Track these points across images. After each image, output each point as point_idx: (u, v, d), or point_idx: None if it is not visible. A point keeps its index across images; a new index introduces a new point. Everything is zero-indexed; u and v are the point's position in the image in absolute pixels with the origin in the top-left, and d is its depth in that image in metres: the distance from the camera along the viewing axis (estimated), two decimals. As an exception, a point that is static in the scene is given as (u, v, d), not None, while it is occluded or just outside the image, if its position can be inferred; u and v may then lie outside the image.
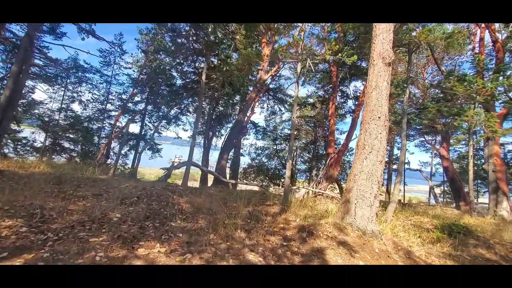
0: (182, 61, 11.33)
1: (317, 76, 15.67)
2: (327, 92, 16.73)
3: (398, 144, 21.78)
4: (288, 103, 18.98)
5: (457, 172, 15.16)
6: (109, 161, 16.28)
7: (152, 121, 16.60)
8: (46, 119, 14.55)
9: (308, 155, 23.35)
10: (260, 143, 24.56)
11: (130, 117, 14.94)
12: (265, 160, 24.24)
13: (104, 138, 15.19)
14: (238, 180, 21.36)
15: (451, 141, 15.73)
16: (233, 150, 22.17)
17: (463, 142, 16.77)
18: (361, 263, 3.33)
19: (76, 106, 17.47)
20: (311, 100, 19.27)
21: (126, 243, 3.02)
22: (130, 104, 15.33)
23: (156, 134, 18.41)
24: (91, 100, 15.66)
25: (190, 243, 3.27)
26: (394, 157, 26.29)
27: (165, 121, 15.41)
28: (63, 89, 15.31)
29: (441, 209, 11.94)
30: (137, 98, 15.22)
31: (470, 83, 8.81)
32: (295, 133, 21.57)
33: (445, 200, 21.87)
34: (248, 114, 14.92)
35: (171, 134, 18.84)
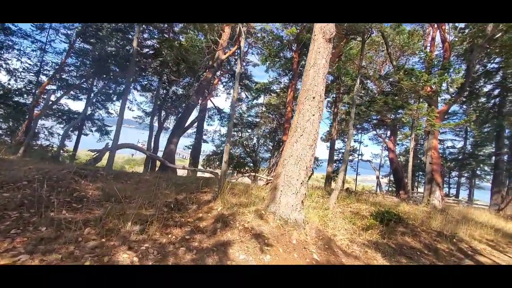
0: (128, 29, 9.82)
1: (281, 62, 15.07)
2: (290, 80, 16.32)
3: (355, 135, 22.58)
4: (253, 90, 18.24)
5: (401, 163, 16.13)
6: (46, 142, 14.05)
7: (98, 99, 14.54)
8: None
9: (271, 143, 23.15)
10: (224, 130, 23.65)
11: (63, 91, 12.80)
12: (230, 148, 23.53)
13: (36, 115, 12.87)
14: (200, 167, 20.44)
15: (399, 136, 16.64)
16: (195, 136, 21.03)
17: (410, 138, 18.04)
18: (267, 257, 2.84)
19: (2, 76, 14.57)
20: (275, 88, 18.74)
21: None
22: (67, 77, 13.12)
23: (105, 115, 16.40)
24: (20, 70, 13.08)
25: (46, 239, 2.44)
26: (351, 147, 27.52)
27: (112, 98, 13.55)
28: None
29: (382, 197, 12.54)
30: (78, 71, 13.03)
31: (417, 77, 8.95)
32: (259, 120, 21.13)
33: (390, 189, 23.56)
34: (206, 96, 13.85)
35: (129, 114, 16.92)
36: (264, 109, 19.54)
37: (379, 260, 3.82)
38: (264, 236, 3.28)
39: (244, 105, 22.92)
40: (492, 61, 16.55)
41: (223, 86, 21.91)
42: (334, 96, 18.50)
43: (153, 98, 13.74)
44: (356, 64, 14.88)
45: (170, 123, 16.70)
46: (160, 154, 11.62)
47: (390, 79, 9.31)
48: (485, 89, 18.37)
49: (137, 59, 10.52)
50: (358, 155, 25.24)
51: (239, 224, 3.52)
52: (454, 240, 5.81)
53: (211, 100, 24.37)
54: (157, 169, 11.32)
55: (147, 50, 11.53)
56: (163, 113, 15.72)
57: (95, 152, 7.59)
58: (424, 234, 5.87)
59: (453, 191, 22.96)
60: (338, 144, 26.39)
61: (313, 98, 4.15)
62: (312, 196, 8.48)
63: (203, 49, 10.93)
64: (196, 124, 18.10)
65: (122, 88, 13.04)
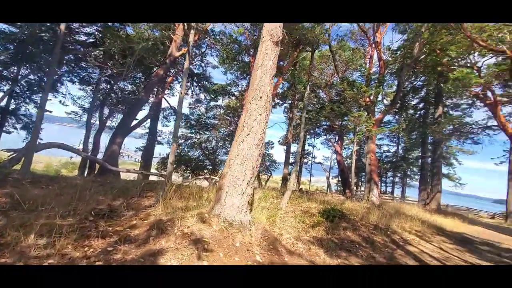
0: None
1: (238, 65, 15.08)
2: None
3: (309, 139, 23.90)
4: (211, 91, 17.79)
5: (348, 165, 17.65)
6: None
7: (23, 90, 12.12)
8: None
9: (229, 145, 22.86)
10: (182, 132, 22.42)
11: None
12: (187, 150, 22.33)
13: None
14: (153, 170, 18.86)
15: (346, 140, 18.20)
16: (147, 137, 19.38)
17: (353, 142, 20.02)
18: (204, 264, 2.60)
19: None
20: (234, 91, 18.63)
21: None
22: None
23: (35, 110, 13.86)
24: None
25: None
26: (305, 151, 29.05)
27: (40, 90, 11.42)
28: None
29: (331, 196, 13.47)
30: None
31: (357, 88, 9.87)
32: (217, 122, 20.68)
33: (339, 188, 25.63)
34: (158, 94, 12.89)
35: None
36: (222, 111, 19.22)
37: (321, 255, 3.92)
38: (204, 240, 3.03)
39: (203, 106, 22.23)
40: (418, 79, 19.55)
41: (181, 86, 20.91)
42: (290, 102, 19.35)
43: (93, 93, 12.12)
44: (313, 75, 15.91)
45: (116, 121, 14.99)
46: (101, 156, 10.23)
47: (337, 89, 10.09)
48: (413, 103, 21.59)
49: (72, 47, 9.14)
50: (312, 158, 26.78)
51: (178, 230, 3.20)
52: (388, 232, 6.44)
53: (166, 100, 22.95)
54: (96, 172, 9.93)
55: (85, 38, 10.14)
56: (106, 110, 14.02)
57: (12, 152, 6.16)
58: (363, 228, 6.36)
59: (389, 189, 26.20)
60: (294, 148, 27.71)
61: (260, 98, 4.11)
62: (267, 197, 8.50)
63: (155, 44, 10.17)
64: (148, 124, 16.70)
65: (54, 79, 11.14)
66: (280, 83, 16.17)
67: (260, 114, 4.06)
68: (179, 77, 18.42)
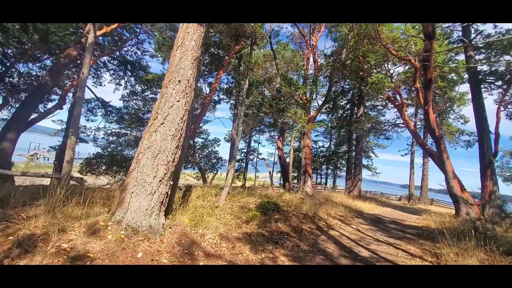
0: None
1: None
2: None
3: (254, 136, 24.14)
4: (145, 80, 15.85)
5: (288, 160, 18.54)
6: None
7: None
8: None
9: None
10: (114, 128, 19.38)
11: None
12: (120, 149, 19.43)
13: None
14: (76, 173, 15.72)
15: (288, 137, 19.01)
16: (64, 134, 16.00)
17: (296, 139, 21.19)
18: None
19: None
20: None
21: None
22: None
23: None
24: None
25: None
26: (251, 148, 29.37)
27: None
28: None
29: (272, 190, 13.83)
30: None
31: (294, 85, 10.22)
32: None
33: (281, 182, 26.94)
34: (73, 82, 10.61)
35: None
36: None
37: (245, 253, 3.66)
38: (89, 256, 2.33)
39: (139, 99, 19.74)
40: (346, 83, 22.04)
41: (111, 75, 17.99)
42: (235, 98, 19.02)
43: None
44: (252, 69, 15.89)
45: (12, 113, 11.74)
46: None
47: (276, 86, 10.25)
48: (342, 103, 24.28)
49: None
50: (257, 154, 27.26)
51: (52, 247, 2.39)
52: (315, 219, 6.78)
53: (91, 90, 19.55)
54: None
55: None
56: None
57: None
58: (294, 218, 6.52)
59: (324, 180, 29.03)
60: (242, 145, 27.63)
61: (179, 81, 3.55)
62: (206, 195, 8.00)
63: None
64: (66, 118, 13.73)
65: None
66: (224, 77, 15.64)
67: (178, 101, 3.50)
68: (110, 65, 15.87)
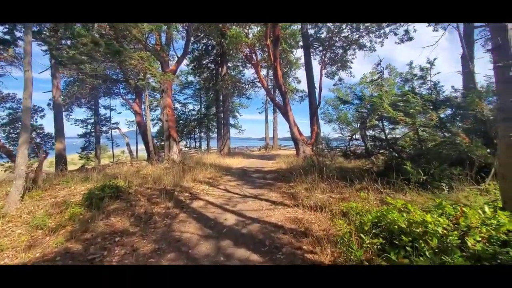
0: None
1: None
2: None
3: (104, 100, 17.94)
4: None
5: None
6: None
7: None
8: None
9: None
10: None
11: None
12: None
13: None
14: None
15: (148, 98, 15.19)
16: None
17: (144, 95, 17.64)
18: None
19: None
20: None
21: None
22: None
23: None
24: None
25: None
26: (101, 116, 22.21)
27: None
28: None
29: (131, 165, 10.77)
30: None
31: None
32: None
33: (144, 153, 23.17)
34: None
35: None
36: None
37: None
38: None
39: None
40: (210, 41, 20.26)
41: None
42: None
43: None
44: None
45: None
46: None
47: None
48: (206, 63, 22.77)
49: None
50: (112, 124, 21.02)
51: None
52: (176, 193, 5.28)
53: None
54: None
55: None
56: None
57: None
58: (144, 200, 4.66)
59: (198, 144, 28.10)
60: (85, 113, 19.80)
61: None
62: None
63: None
64: None
65: None
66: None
67: None
68: None
